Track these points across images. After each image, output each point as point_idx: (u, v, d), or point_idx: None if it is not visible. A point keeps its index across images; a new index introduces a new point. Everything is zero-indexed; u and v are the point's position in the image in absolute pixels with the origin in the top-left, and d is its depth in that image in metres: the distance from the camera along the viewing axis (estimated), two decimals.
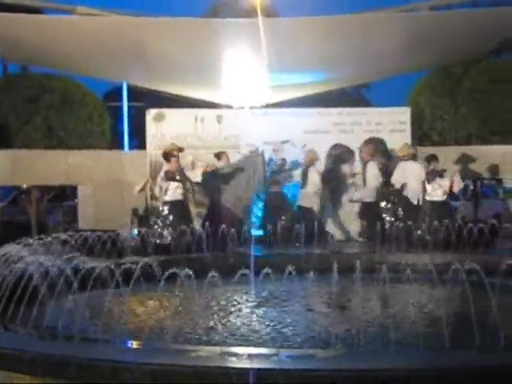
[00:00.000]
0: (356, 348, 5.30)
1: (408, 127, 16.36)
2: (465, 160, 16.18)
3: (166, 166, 13.98)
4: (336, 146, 16.11)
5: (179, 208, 13.84)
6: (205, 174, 14.41)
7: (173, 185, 13.83)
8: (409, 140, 16.24)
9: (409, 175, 14.41)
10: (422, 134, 17.51)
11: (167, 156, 14.05)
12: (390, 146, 15.99)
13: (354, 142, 15.99)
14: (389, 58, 16.19)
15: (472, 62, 17.28)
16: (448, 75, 17.57)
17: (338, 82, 19.72)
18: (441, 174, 14.41)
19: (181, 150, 14.36)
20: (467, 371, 4.06)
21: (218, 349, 4.96)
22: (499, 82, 16.97)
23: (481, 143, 16.98)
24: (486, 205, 19.47)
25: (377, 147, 15.43)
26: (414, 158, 14.84)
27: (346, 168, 15.90)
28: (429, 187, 14.26)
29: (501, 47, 17.43)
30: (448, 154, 16.30)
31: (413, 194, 14.33)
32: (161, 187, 13.89)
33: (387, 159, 15.40)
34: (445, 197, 14.34)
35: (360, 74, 18.24)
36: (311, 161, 15.36)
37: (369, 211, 15.01)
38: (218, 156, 15.23)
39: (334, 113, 16.75)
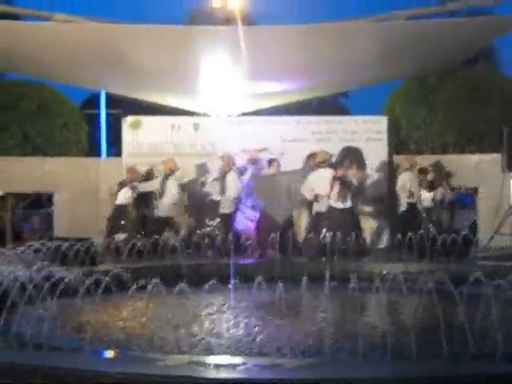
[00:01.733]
0: (324, 357, 5.30)
1: (385, 136, 16.41)
2: (438, 169, 16.25)
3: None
4: (313, 155, 16.10)
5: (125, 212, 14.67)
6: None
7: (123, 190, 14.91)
8: (385, 149, 16.32)
9: (322, 182, 14.35)
10: (398, 143, 17.57)
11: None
12: (366, 154, 16.06)
13: (331, 151, 16.00)
14: (366, 67, 16.23)
15: (448, 71, 17.38)
16: (424, 84, 17.66)
17: (316, 91, 19.74)
18: (430, 184, 14.66)
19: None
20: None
21: (185, 357, 4.93)
22: (475, 90, 17.08)
23: (457, 152, 17.07)
24: (463, 215, 19.63)
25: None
26: (331, 165, 14.82)
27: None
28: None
29: (477, 56, 17.55)
30: (424, 163, 16.38)
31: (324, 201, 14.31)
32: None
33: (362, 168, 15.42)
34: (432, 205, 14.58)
35: (337, 82, 18.26)
36: (229, 167, 15.38)
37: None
38: (270, 162, 15.38)
39: (312, 121, 16.78)
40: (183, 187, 15.63)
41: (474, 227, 16.55)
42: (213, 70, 16.38)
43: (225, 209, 15.19)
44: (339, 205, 13.75)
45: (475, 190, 17.20)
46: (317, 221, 14.20)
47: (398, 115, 17.84)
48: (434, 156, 16.96)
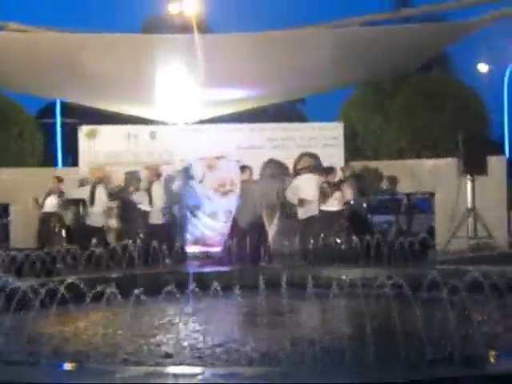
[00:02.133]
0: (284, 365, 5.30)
1: (341, 142, 16.51)
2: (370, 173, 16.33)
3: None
4: (270, 162, 16.15)
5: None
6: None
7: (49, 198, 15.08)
8: (342, 155, 16.41)
9: (305, 188, 14.46)
10: (354, 149, 17.67)
11: None
12: (323, 160, 16.12)
13: (288, 157, 16.07)
14: (320, 74, 16.30)
15: (402, 76, 17.52)
16: (379, 90, 17.79)
17: (271, 98, 19.79)
18: (337, 185, 14.60)
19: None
20: None
21: (143, 368, 4.91)
22: (430, 96, 17.25)
23: (413, 157, 17.22)
24: (421, 219, 19.78)
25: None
26: (312, 170, 14.94)
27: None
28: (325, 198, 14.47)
29: (431, 63, 17.72)
30: (380, 169, 16.51)
31: (310, 206, 14.39)
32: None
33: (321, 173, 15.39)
34: (340, 207, 14.46)
35: (291, 89, 18.31)
36: (155, 176, 15.32)
37: None
38: (242, 169, 14.99)
39: (268, 128, 16.84)
40: (113, 196, 15.42)
41: (431, 231, 16.68)
42: (169, 77, 16.34)
43: (153, 219, 15.05)
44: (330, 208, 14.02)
45: (432, 195, 17.35)
46: (303, 225, 14.27)
47: (354, 121, 17.96)
48: (389, 161, 17.08)
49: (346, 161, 16.54)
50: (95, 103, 18.85)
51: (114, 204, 15.43)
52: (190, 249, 15.63)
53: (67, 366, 5.07)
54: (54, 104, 31.79)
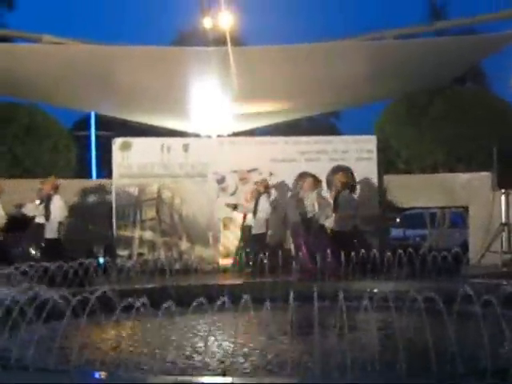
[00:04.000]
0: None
1: (374, 155, 16.43)
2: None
3: None
4: (302, 175, 16.12)
5: None
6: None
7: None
8: (375, 168, 16.34)
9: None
10: (388, 162, 17.57)
11: None
12: (356, 174, 16.08)
13: (321, 171, 16.06)
14: (354, 87, 16.30)
15: (437, 89, 17.42)
16: (413, 103, 17.67)
17: (304, 111, 19.81)
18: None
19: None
20: None
21: (173, 378, 4.90)
22: (463, 109, 17.11)
23: (447, 171, 17.08)
24: (455, 234, 19.63)
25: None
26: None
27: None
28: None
29: (465, 75, 17.61)
30: (414, 182, 16.44)
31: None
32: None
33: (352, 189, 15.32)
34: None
35: (324, 102, 18.33)
36: (54, 190, 15.08)
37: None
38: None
39: (301, 141, 16.78)
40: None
41: (465, 246, 16.55)
42: (203, 90, 16.42)
43: (51, 234, 14.77)
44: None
45: (466, 209, 17.20)
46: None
47: (388, 134, 17.85)
48: (422, 175, 17.00)
49: (380, 174, 16.47)
50: (129, 116, 19.01)
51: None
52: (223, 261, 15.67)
53: (98, 375, 5.08)
54: (88, 117, 32.12)
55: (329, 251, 12.79)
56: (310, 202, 14.49)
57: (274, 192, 15.69)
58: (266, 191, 15.31)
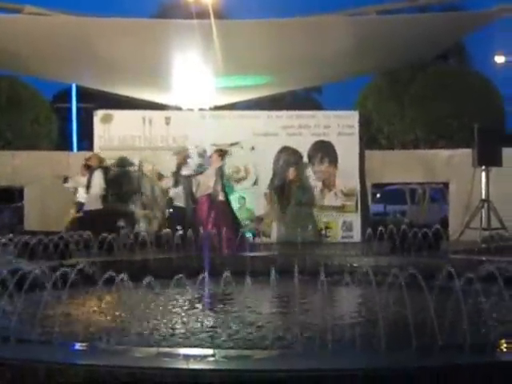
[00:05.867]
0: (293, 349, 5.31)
1: (356, 131, 16.46)
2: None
3: None
4: (284, 149, 16.15)
5: None
6: None
7: None
8: (357, 143, 16.38)
9: None
10: (369, 138, 17.61)
11: None
12: (338, 149, 16.14)
13: (303, 145, 16.10)
14: (336, 62, 16.27)
15: (419, 66, 17.44)
16: (395, 79, 17.70)
17: (286, 86, 19.76)
18: None
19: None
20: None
21: (154, 350, 4.91)
22: (446, 87, 17.16)
23: (428, 147, 17.15)
24: (434, 209, 19.75)
25: None
26: None
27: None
28: None
29: (447, 53, 17.63)
30: (395, 158, 16.51)
31: None
32: None
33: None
34: None
35: (307, 77, 18.28)
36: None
37: None
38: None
39: (283, 116, 16.77)
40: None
41: (444, 222, 16.65)
42: (185, 63, 16.32)
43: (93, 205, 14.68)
44: None
45: (446, 185, 17.29)
46: None
47: (370, 110, 17.89)
48: (403, 151, 17.08)
49: (361, 150, 16.52)
50: (111, 88, 18.86)
51: None
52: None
53: (79, 346, 5.09)
54: (69, 89, 31.88)
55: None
56: (216, 177, 14.36)
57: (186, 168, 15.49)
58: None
